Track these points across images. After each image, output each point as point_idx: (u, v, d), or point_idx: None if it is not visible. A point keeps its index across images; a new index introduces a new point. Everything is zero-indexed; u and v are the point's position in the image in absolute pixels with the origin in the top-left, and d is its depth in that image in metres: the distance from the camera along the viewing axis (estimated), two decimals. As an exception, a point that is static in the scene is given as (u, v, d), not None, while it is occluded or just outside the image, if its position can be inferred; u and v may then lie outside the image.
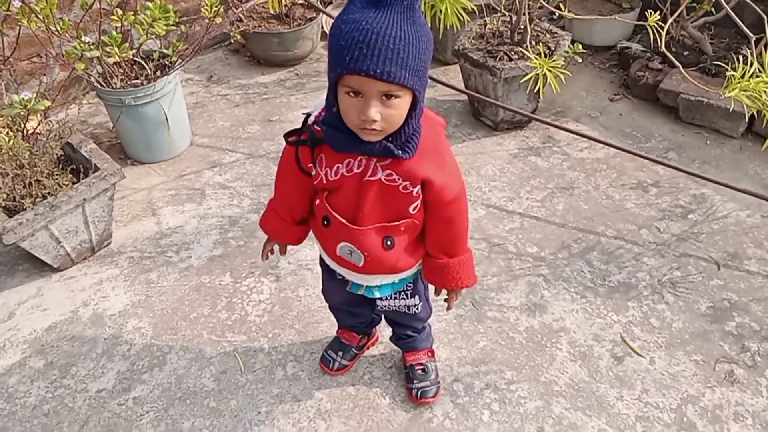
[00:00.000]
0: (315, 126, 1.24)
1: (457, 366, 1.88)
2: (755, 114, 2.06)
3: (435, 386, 1.78)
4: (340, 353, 1.84)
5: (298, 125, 1.28)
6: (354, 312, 1.75)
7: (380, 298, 1.58)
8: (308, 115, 1.28)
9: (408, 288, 1.57)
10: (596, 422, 1.72)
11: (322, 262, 1.58)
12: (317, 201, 1.36)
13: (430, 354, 1.83)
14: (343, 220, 1.32)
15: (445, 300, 1.50)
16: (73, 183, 2.10)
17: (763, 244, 2.23)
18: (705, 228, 2.30)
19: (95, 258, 2.28)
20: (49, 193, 2.04)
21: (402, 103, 1.10)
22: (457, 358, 1.90)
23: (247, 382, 1.86)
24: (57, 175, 2.09)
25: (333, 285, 1.59)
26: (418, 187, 1.25)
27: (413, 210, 1.30)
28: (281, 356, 1.91)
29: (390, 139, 1.17)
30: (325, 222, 1.35)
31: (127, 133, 2.65)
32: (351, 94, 1.08)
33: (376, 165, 1.22)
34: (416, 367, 1.79)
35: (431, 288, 1.52)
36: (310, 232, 1.51)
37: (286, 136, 1.29)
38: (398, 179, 1.23)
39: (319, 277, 1.67)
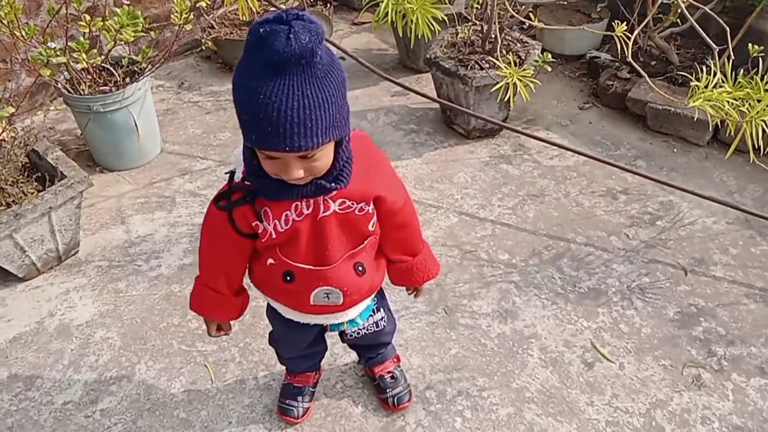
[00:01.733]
0: (245, 182, 1.17)
1: (429, 373, 1.88)
2: (719, 123, 2.11)
3: (407, 390, 1.79)
4: (299, 398, 1.74)
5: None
6: (310, 353, 1.69)
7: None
8: (232, 173, 1.19)
9: (375, 303, 1.55)
10: (567, 428, 1.74)
11: (275, 318, 1.51)
12: (269, 261, 1.27)
13: (396, 360, 1.83)
14: (310, 267, 1.26)
15: (415, 296, 1.55)
16: (39, 191, 2.06)
17: (728, 250, 2.27)
18: (672, 234, 2.35)
19: (62, 267, 2.23)
20: (13, 201, 2.00)
21: (324, 155, 1.06)
22: (430, 365, 1.90)
23: (218, 392, 1.83)
24: (22, 183, 2.06)
25: (294, 336, 1.54)
26: (371, 204, 1.24)
27: (372, 227, 1.28)
28: (252, 365, 1.89)
29: (320, 177, 1.12)
30: (288, 278, 1.27)
31: (96, 140, 2.61)
32: (269, 157, 1.03)
33: (325, 199, 1.18)
34: (386, 376, 1.79)
35: (402, 289, 1.54)
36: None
37: (216, 201, 1.21)
38: (352, 204, 1.20)
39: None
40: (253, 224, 1.20)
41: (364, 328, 1.56)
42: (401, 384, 1.78)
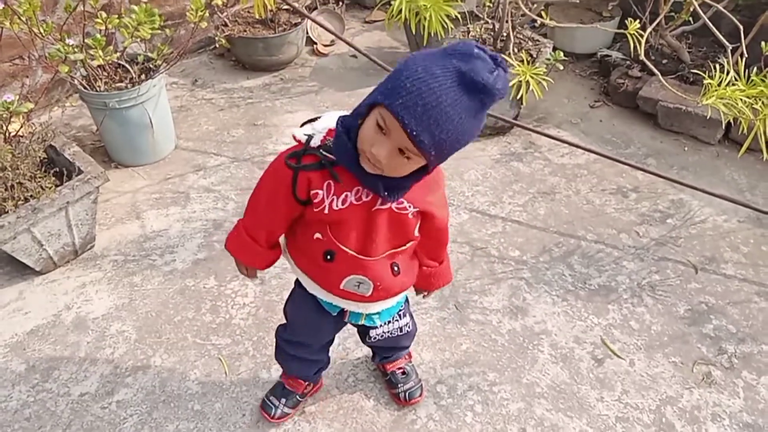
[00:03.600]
0: (321, 150, 1.18)
1: (440, 368, 1.90)
2: (731, 121, 2.11)
3: (419, 385, 1.81)
4: (283, 400, 1.74)
5: (283, 130, 1.23)
6: (310, 360, 1.66)
7: (373, 328, 1.57)
8: (310, 137, 1.20)
9: (401, 309, 1.59)
10: (577, 423, 1.75)
11: (295, 300, 1.53)
12: (316, 235, 1.28)
13: (408, 357, 1.85)
14: (353, 253, 1.27)
15: (424, 297, 1.58)
16: (57, 186, 2.09)
17: (739, 248, 2.27)
18: (683, 232, 2.35)
19: (78, 261, 2.27)
20: (31, 196, 2.03)
21: (412, 164, 1.09)
22: (441, 360, 1.92)
23: (232, 385, 1.86)
24: (40, 177, 2.08)
25: (309, 321, 1.53)
26: (418, 209, 1.27)
27: (416, 233, 1.34)
28: (266, 359, 1.92)
29: (386, 178, 1.14)
30: (328, 257, 1.29)
31: (111, 136, 2.64)
32: (378, 125, 1.05)
33: None
34: (397, 372, 1.81)
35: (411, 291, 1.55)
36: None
37: (288, 157, 1.22)
38: (409, 207, 1.24)
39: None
40: (311, 193, 1.21)
41: (388, 332, 1.60)
42: (413, 379, 1.80)
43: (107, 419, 1.78)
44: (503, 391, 1.83)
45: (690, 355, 1.93)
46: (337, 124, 1.16)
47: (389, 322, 1.59)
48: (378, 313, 1.45)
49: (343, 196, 1.20)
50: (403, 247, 1.33)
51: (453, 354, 1.94)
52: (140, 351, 1.96)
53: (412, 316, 1.67)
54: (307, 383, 1.75)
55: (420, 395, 1.79)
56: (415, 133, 1.00)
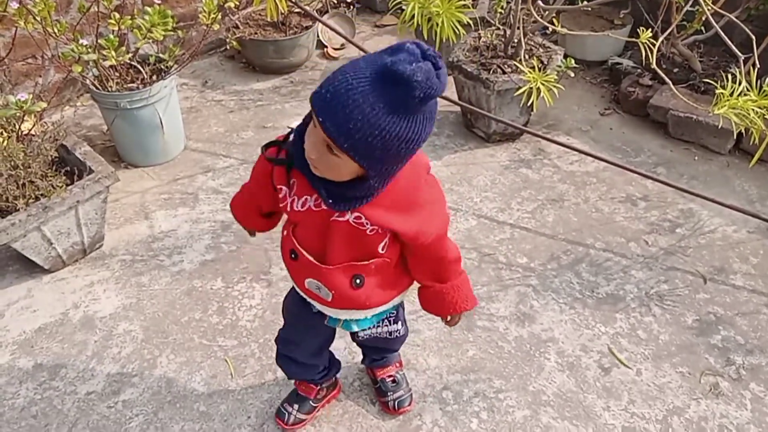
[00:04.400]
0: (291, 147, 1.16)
1: (446, 374, 1.89)
2: (743, 131, 2.10)
3: (408, 394, 1.79)
4: (296, 406, 1.73)
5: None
6: (306, 364, 1.63)
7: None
8: (293, 130, 1.17)
9: (391, 316, 1.52)
10: (583, 432, 1.74)
11: (287, 301, 1.56)
12: (284, 233, 1.31)
13: (398, 365, 1.83)
14: (310, 258, 1.25)
15: (449, 324, 1.46)
16: (67, 185, 2.10)
17: (748, 259, 2.26)
18: (692, 242, 2.34)
19: (87, 260, 2.28)
20: (42, 195, 2.04)
21: (346, 165, 1.02)
22: (447, 366, 1.92)
23: (238, 387, 1.86)
24: (51, 176, 2.10)
25: (299, 318, 1.52)
26: (377, 228, 1.18)
27: (382, 249, 1.24)
28: (271, 361, 1.92)
29: (329, 183, 1.09)
30: (293, 255, 1.29)
31: (122, 136, 2.65)
32: (313, 120, 1.01)
33: None
34: (387, 380, 1.79)
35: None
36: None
37: (266, 147, 1.22)
38: (366, 224, 1.15)
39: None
40: (279, 186, 1.21)
41: (376, 332, 1.54)
42: (402, 388, 1.79)
43: (113, 418, 1.78)
44: (509, 398, 1.83)
45: (697, 366, 1.91)
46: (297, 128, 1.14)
47: (377, 326, 1.52)
48: (356, 320, 1.40)
49: (303, 198, 1.18)
50: (365, 262, 1.25)
51: (459, 360, 1.93)
52: (147, 351, 1.97)
53: (404, 322, 1.62)
54: (318, 388, 1.73)
55: (409, 404, 1.78)
56: (321, 119, 0.96)
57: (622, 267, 2.24)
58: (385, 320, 1.53)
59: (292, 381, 1.77)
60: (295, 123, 1.23)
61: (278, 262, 2.23)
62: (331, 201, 1.11)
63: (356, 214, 1.14)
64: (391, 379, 1.80)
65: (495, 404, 1.81)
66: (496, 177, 2.68)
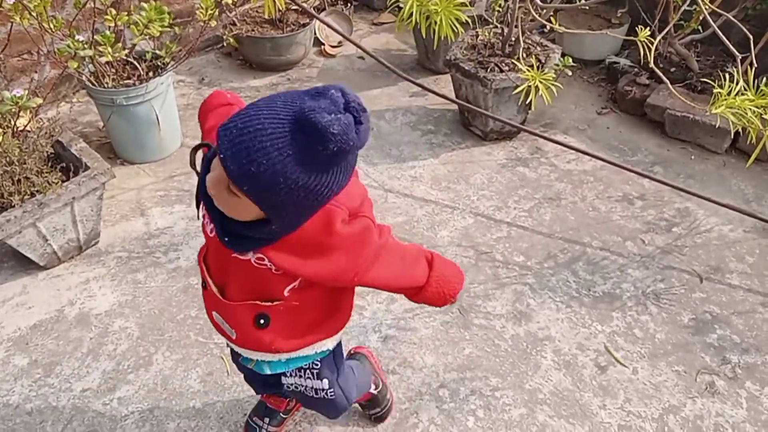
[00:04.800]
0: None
1: (443, 372, 1.89)
2: (739, 131, 2.10)
3: (386, 408, 1.73)
4: (266, 419, 1.66)
5: None
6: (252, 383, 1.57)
7: (284, 374, 1.38)
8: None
9: (314, 367, 1.35)
10: (579, 430, 1.74)
11: None
12: (198, 257, 1.23)
13: (367, 396, 1.69)
14: (215, 289, 1.17)
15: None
16: (63, 181, 2.09)
17: (744, 259, 2.27)
18: (688, 241, 2.34)
19: (82, 257, 2.27)
20: (38, 191, 2.03)
21: (242, 205, 0.94)
22: (443, 364, 1.92)
23: (234, 384, 1.86)
24: (46, 173, 2.09)
25: (233, 356, 1.44)
26: (282, 271, 1.07)
27: (287, 292, 1.13)
28: (268, 359, 1.92)
29: (229, 221, 0.99)
30: (203, 284, 1.22)
31: (118, 132, 2.64)
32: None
33: None
34: (361, 400, 1.71)
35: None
36: None
37: (194, 150, 1.12)
38: (269, 264, 1.06)
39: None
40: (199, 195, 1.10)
41: (301, 385, 1.39)
42: (379, 405, 1.72)
43: (108, 415, 1.78)
44: (506, 396, 1.83)
45: (693, 365, 1.92)
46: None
47: (299, 375, 1.37)
48: (268, 362, 1.29)
49: (210, 225, 1.08)
50: (269, 303, 1.14)
51: (456, 358, 1.93)
52: (142, 348, 1.96)
53: (339, 386, 1.40)
54: (288, 399, 1.66)
55: (389, 414, 1.74)
56: (222, 155, 0.88)
57: (619, 266, 2.24)
58: (307, 371, 1.36)
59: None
60: None
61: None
62: (227, 240, 1.02)
63: (259, 255, 1.05)
64: (365, 399, 1.70)
65: (491, 402, 1.81)
66: (493, 175, 2.68)
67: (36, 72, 2.86)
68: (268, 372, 1.31)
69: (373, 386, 1.68)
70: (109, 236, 2.35)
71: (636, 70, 3.10)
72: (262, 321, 1.16)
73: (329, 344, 1.31)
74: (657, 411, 1.80)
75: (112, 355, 1.94)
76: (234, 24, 3.34)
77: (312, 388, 1.39)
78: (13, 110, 2.00)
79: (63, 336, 2.00)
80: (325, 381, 1.38)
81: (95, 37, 2.34)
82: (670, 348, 1.97)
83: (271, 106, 0.89)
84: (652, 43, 2.25)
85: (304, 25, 3.36)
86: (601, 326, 2.03)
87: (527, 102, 2.49)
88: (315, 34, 3.55)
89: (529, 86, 2.42)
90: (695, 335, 2.01)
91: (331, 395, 1.40)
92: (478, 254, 2.29)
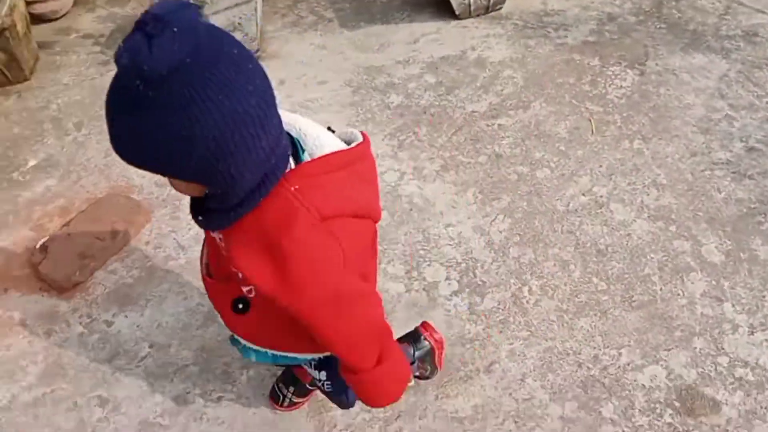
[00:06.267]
0: None
1: None
2: None
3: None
4: (291, 388, 1.53)
5: None
6: None
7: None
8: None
9: (313, 359, 1.24)
10: None
11: None
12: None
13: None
14: (204, 266, 1.15)
15: None
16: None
17: None
18: None
19: (486, 17, 2.63)
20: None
21: (174, 182, 0.84)
22: None
23: (595, 142, 2.10)
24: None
25: None
26: (232, 262, 0.93)
27: (248, 292, 1.06)
28: (631, 133, 2.11)
29: (202, 200, 0.88)
30: (206, 262, 1.17)
31: None
32: None
33: None
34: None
35: None
36: None
37: None
38: (223, 250, 0.97)
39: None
40: None
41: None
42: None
43: (489, 133, 2.17)
44: None
45: None
46: None
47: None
48: (254, 350, 1.20)
49: None
50: (244, 288, 1.06)
51: None
52: (524, 95, 2.29)
53: (342, 385, 1.21)
54: None
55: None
56: (114, 147, 0.78)
57: None
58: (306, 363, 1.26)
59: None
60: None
61: (654, 57, 2.35)
62: (200, 218, 0.91)
63: (220, 235, 0.95)
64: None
65: None
66: None
67: None
68: (254, 360, 1.25)
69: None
70: (511, 6, 2.66)
71: None
72: (240, 306, 1.08)
73: (315, 355, 1.20)
74: None
75: (499, 94, 2.31)
76: None
77: (312, 376, 1.31)
78: None
79: (464, 70, 2.41)
80: (323, 373, 1.26)
81: None
82: None
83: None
84: None
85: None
86: None
87: None
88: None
89: None
90: None
91: (328, 388, 1.30)
92: None
